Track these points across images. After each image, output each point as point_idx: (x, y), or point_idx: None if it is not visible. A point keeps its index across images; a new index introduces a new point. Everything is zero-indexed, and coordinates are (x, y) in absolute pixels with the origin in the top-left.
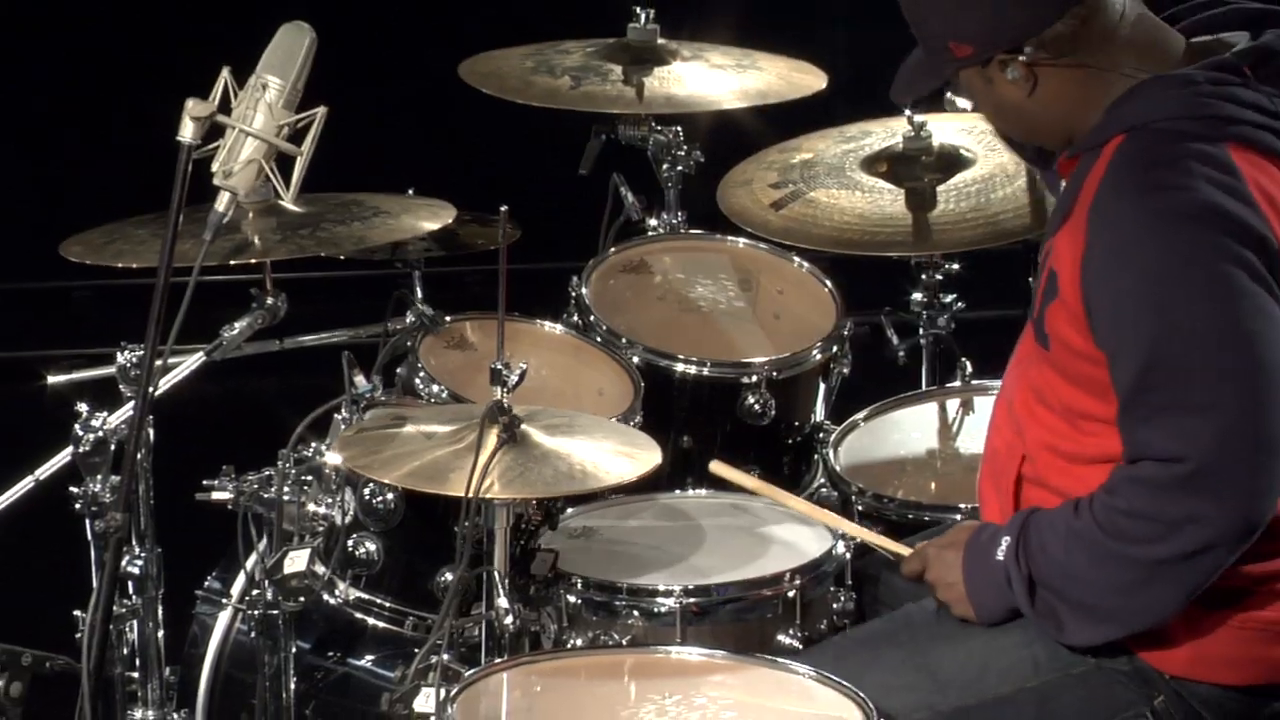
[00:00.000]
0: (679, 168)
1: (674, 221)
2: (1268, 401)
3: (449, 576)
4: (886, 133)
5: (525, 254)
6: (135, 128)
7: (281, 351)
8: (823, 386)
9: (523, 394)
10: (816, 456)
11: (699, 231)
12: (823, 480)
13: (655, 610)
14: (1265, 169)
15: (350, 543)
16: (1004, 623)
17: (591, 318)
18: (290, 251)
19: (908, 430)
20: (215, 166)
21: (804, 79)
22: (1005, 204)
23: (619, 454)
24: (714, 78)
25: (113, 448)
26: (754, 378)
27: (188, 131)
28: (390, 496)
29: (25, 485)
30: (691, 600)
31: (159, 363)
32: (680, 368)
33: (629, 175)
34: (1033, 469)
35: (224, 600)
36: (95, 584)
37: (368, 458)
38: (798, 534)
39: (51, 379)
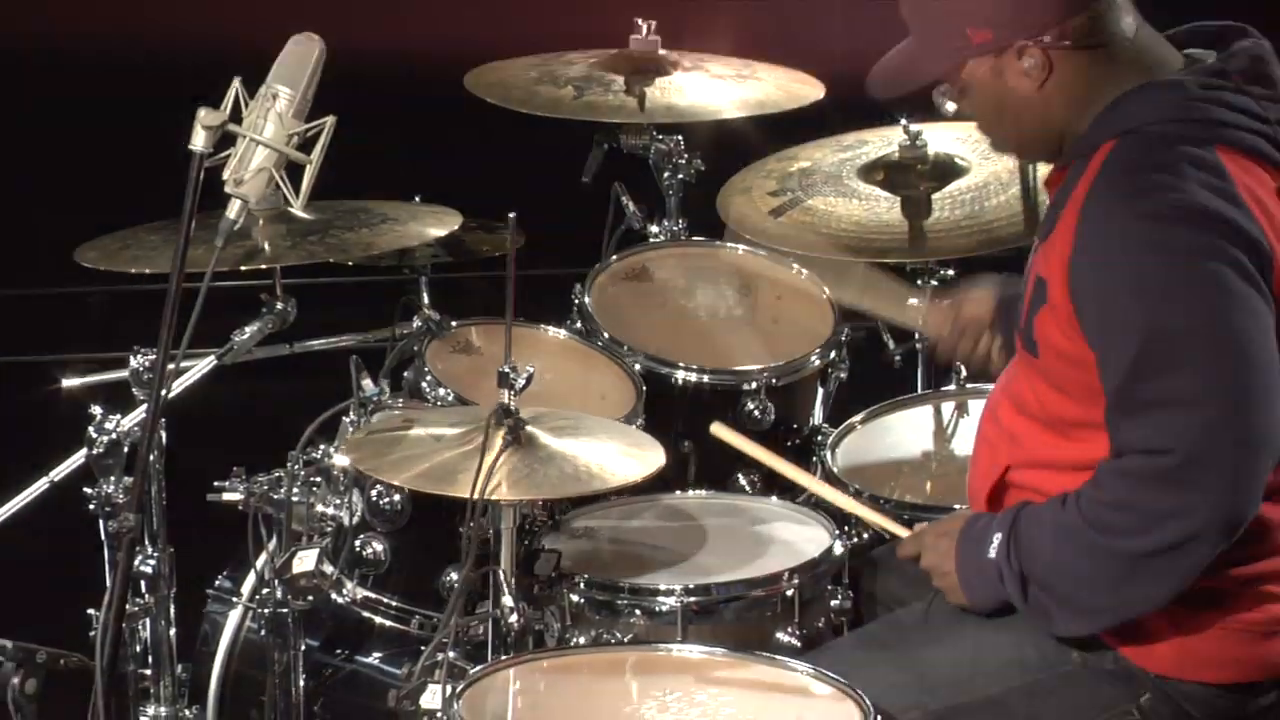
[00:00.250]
0: (679, 176)
1: (675, 229)
2: (1254, 397)
3: (455, 576)
4: (883, 142)
5: (528, 260)
6: (149, 137)
7: (291, 355)
8: (821, 390)
9: (526, 398)
10: (815, 459)
11: (700, 239)
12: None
13: (656, 609)
14: (1253, 172)
15: (358, 543)
16: (996, 613)
17: (594, 324)
18: (300, 257)
19: (903, 433)
20: (226, 174)
21: (802, 89)
22: (999, 212)
23: (624, 455)
24: (714, 88)
25: (126, 450)
26: (753, 384)
27: (199, 140)
28: (397, 497)
29: (40, 486)
30: (692, 599)
31: (171, 366)
32: (680, 375)
33: (630, 183)
34: (1019, 476)
35: (234, 599)
36: (108, 583)
37: (375, 459)
38: (796, 534)
39: (66, 382)
